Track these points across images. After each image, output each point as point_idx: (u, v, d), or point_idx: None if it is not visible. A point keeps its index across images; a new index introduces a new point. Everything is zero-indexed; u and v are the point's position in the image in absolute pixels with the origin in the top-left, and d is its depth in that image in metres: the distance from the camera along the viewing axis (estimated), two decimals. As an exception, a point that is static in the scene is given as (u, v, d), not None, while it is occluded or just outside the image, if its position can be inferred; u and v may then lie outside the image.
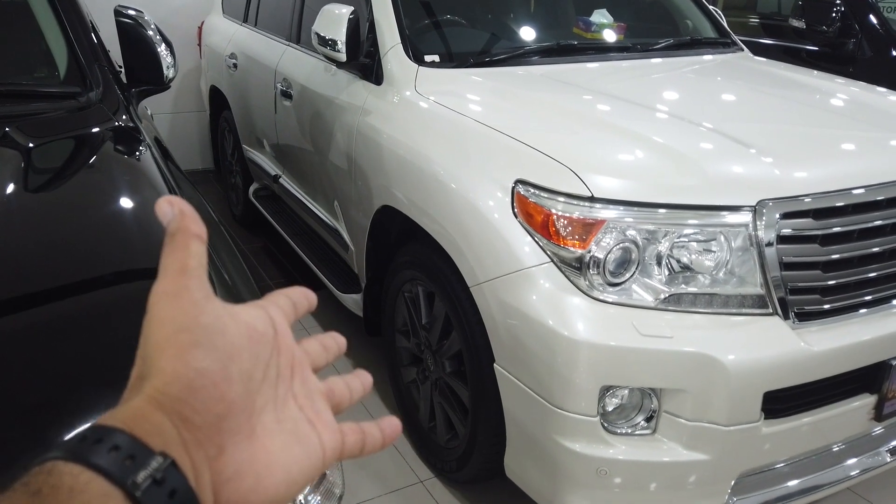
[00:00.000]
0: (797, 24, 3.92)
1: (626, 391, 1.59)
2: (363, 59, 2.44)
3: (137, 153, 1.66)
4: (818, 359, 1.59)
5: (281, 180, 3.30)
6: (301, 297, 0.50)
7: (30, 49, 1.94)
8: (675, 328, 1.55)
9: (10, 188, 1.37)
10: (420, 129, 2.13)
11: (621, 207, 1.59)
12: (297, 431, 0.43)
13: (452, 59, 2.40)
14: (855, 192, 1.70)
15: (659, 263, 1.60)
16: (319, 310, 0.51)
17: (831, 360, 1.62)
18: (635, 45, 2.68)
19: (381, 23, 2.42)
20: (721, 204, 1.61)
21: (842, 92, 2.39)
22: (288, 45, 3.13)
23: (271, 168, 3.42)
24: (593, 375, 1.53)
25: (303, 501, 0.91)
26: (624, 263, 1.60)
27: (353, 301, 2.60)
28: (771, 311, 1.61)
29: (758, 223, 1.59)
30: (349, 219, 2.58)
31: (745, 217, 1.60)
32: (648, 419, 1.61)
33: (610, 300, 1.59)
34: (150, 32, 2.00)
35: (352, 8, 2.37)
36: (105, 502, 0.33)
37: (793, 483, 1.72)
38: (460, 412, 2.03)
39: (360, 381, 0.52)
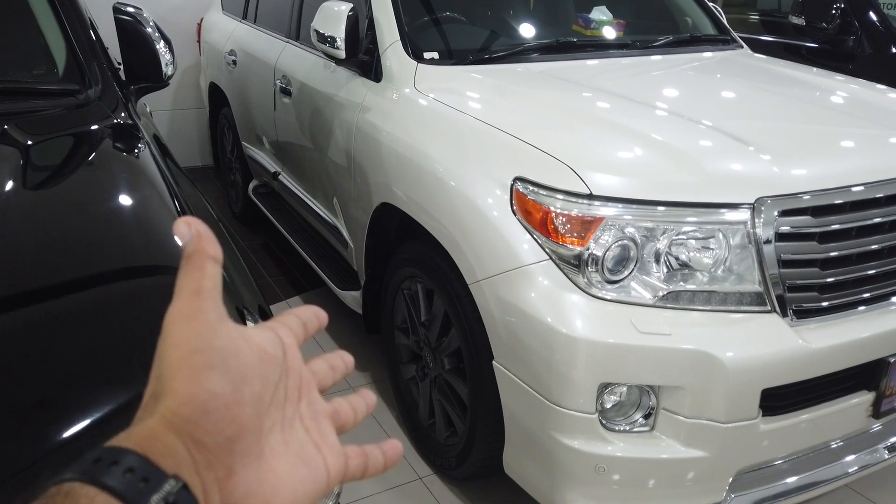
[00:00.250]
0: (797, 20, 3.92)
1: (625, 388, 1.59)
2: (362, 57, 2.44)
3: (136, 150, 1.66)
4: (816, 356, 1.59)
5: (280, 177, 3.30)
6: (311, 317, 0.51)
7: (28, 46, 1.94)
8: (673, 325, 1.55)
9: (9, 186, 1.38)
10: (419, 127, 2.13)
11: (620, 205, 1.59)
12: (303, 454, 0.44)
13: (452, 57, 2.39)
14: (854, 189, 1.70)
15: (657, 261, 1.60)
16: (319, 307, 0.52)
17: (829, 357, 1.62)
18: (635, 42, 2.67)
19: (380, 20, 2.41)
20: (719, 201, 1.61)
21: (841, 89, 2.39)
22: (287, 42, 3.13)
23: (271, 165, 3.42)
24: (592, 372, 1.54)
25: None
26: (622, 261, 1.60)
27: (352, 298, 2.60)
28: (769, 308, 1.61)
29: (756, 220, 1.60)
30: (348, 216, 2.58)
31: (743, 214, 1.60)
32: (647, 416, 1.61)
33: (608, 298, 1.59)
34: (149, 29, 2.00)
35: (351, 5, 2.36)
36: None
37: (791, 480, 1.72)
38: (459, 409, 2.03)
39: (365, 401, 0.52)
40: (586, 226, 1.60)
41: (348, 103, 2.46)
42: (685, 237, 1.60)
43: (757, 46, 2.98)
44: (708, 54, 2.72)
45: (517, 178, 1.71)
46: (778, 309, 1.61)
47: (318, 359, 0.51)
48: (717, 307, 1.60)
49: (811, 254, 1.65)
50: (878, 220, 1.73)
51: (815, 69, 2.66)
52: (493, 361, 1.75)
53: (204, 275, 0.41)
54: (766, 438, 1.63)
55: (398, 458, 0.50)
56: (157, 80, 2.03)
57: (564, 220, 1.61)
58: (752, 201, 1.60)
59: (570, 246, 1.60)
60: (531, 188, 1.68)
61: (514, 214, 1.70)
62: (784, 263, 1.62)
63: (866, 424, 1.82)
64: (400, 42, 2.34)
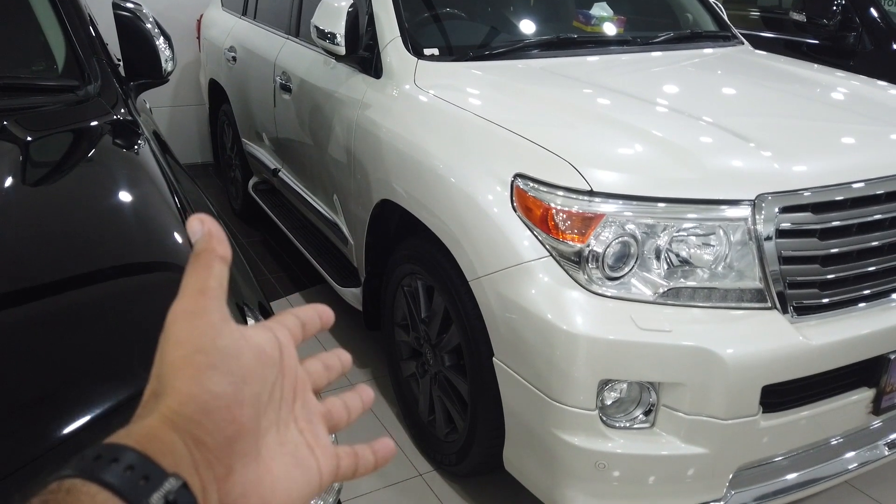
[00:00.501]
0: (798, 17, 3.91)
1: (625, 385, 1.59)
2: (362, 53, 2.43)
3: (136, 147, 1.65)
4: (816, 353, 1.59)
5: (280, 174, 3.30)
6: (312, 316, 0.51)
7: (28, 42, 1.94)
8: (673, 322, 1.55)
9: (9, 182, 1.37)
10: (419, 123, 2.12)
11: (620, 201, 1.59)
12: (297, 455, 0.44)
13: (452, 53, 2.39)
14: (854, 186, 1.70)
15: (658, 257, 1.60)
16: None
17: (830, 354, 1.62)
18: (635, 38, 2.67)
19: (380, 16, 2.41)
20: (720, 198, 1.61)
21: (842, 86, 2.38)
22: (287, 39, 3.12)
23: (270, 162, 3.41)
24: (592, 369, 1.54)
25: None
26: (623, 257, 1.60)
27: (352, 295, 2.60)
28: (770, 305, 1.61)
29: (757, 217, 1.59)
30: (348, 213, 2.58)
31: (744, 211, 1.60)
32: (647, 413, 1.61)
33: (609, 294, 1.59)
34: (149, 25, 1.99)
35: (351, 1, 2.36)
36: None
37: (791, 476, 1.72)
38: (459, 406, 2.03)
39: (361, 398, 0.52)
40: (587, 222, 1.59)
41: (348, 100, 2.45)
42: (686, 234, 1.60)
43: (758, 43, 2.97)
44: (709, 51, 2.72)
45: (517, 175, 1.71)
46: (778, 306, 1.61)
47: (314, 358, 0.51)
48: (718, 304, 1.60)
49: (812, 250, 1.65)
50: (878, 216, 1.72)
51: (815, 66, 2.66)
52: (494, 358, 1.75)
53: (211, 274, 0.42)
54: (766, 435, 1.63)
55: (390, 457, 0.50)
56: (156, 77, 2.03)
57: (565, 216, 1.61)
58: (753, 198, 1.60)
59: (571, 242, 1.60)
60: (531, 185, 1.68)
61: (515, 211, 1.69)
62: (785, 260, 1.62)
63: (866, 421, 1.82)
64: (400, 38, 2.34)
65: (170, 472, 0.36)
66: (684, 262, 1.61)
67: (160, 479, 0.35)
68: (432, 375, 2.16)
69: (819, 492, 1.84)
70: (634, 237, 1.59)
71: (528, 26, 2.70)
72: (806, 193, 1.65)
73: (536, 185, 1.67)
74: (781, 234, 1.62)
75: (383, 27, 2.38)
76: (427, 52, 2.33)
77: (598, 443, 1.58)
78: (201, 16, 4.44)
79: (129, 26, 1.98)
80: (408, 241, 2.20)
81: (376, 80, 2.36)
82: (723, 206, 1.60)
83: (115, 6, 1.99)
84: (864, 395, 1.75)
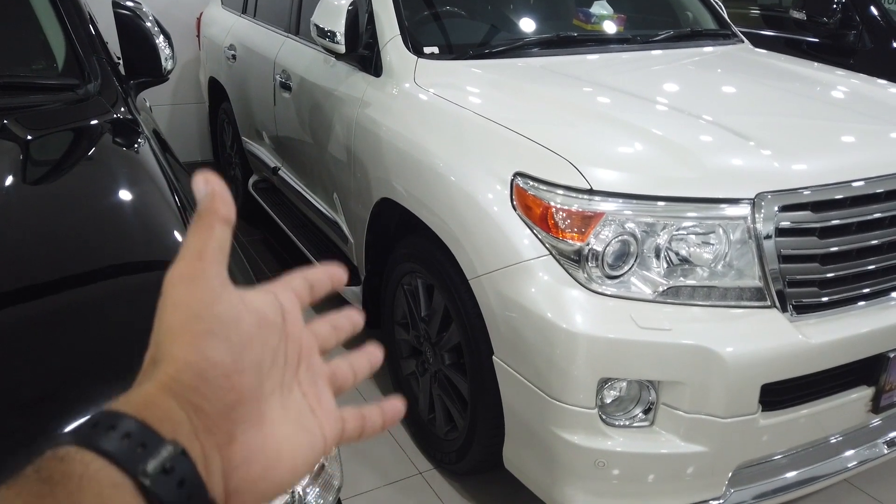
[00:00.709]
0: (798, 15, 3.91)
1: (625, 383, 1.59)
2: (362, 51, 2.43)
3: (136, 145, 1.65)
4: (816, 351, 1.60)
5: (280, 172, 3.30)
6: (322, 277, 0.49)
7: (28, 41, 1.94)
8: (673, 321, 1.55)
9: (9, 181, 1.37)
10: (419, 122, 2.12)
11: (620, 200, 1.59)
12: (300, 419, 0.43)
13: (452, 51, 2.39)
14: (854, 184, 1.70)
15: (657, 256, 1.60)
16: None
17: (829, 352, 1.62)
18: (635, 36, 2.67)
19: (380, 14, 2.41)
20: (720, 196, 1.61)
21: (842, 84, 2.38)
22: (287, 37, 3.12)
23: (270, 160, 3.41)
24: (592, 368, 1.54)
25: (301, 494, 0.91)
26: (622, 256, 1.60)
27: (352, 293, 2.60)
28: (769, 303, 1.61)
29: (756, 216, 1.59)
30: (348, 211, 2.58)
31: (743, 210, 1.60)
32: (646, 411, 1.61)
33: (608, 293, 1.59)
34: (149, 24, 1.99)
35: (351, -1, 2.36)
36: (114, 492, 0.33)
37: (790, 474, 1.73)
38: (459, 404, 2.03)
39: (368, 358, 0.51)
40: (586, 221, 1.60)
41: (348, 98, 2.45)
42: (685, 232, 1.60)
43: (758, 41, 2.97)
44: (708, 49, 2.72)
45: (517, 174, 1.71)
46: (778, 304, 1.61)
47: (322, 319, 0.49)
48: (717, 302, 1.60)
49: (811, 249, 1.65)
50: (878, 215, 1.72)
51: (815, 64, 2.66)
52: (493, 357, 1.76)
53: (211, 236, 0.40)
54: (765, 433, 1.63)
55: (398, 418, 0.49)
56: (156, 75, 2.02)
57: (564, 215, 1.61)
58: (753, 196, 1.60)
59: (571, 241, 1.60)
60: (531, 183, 1.68)
61: (515, 210, 1.69)
62: (784, 259, 1.62)
63: (866, 419, 1.82)
64: (400, 37, 2.34)
65: (168, 440, 0.35)
66: (684, 260, 1.61)
67: (158, 447, 0.35)
68: (432, 374, 2.16)
69: (818, 490, 1.85)
70: (634, 236, 1.59)
71: (528, 25, 2.70)
72: (805, 192, 1.65)
73: (536, 184, 1.67)
74: (781, 232, 1.62)
75: (383, 25, 2.38)
76: (427, 50, 2.33)
77: (597, 441, 1.58)
78: (201, 14, 4.43)
79: (129, 25, 1.98)
80: (407, 239, 2.20)
81: (376, 78, 2.36)
82: (722, 205, 1.60)
83: (115, 4, 1.99)
84: (864, 394, 1.75)
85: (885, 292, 1.76)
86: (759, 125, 1.88)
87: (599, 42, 2.61)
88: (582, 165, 1.63)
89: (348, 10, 2.33)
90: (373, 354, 0.51)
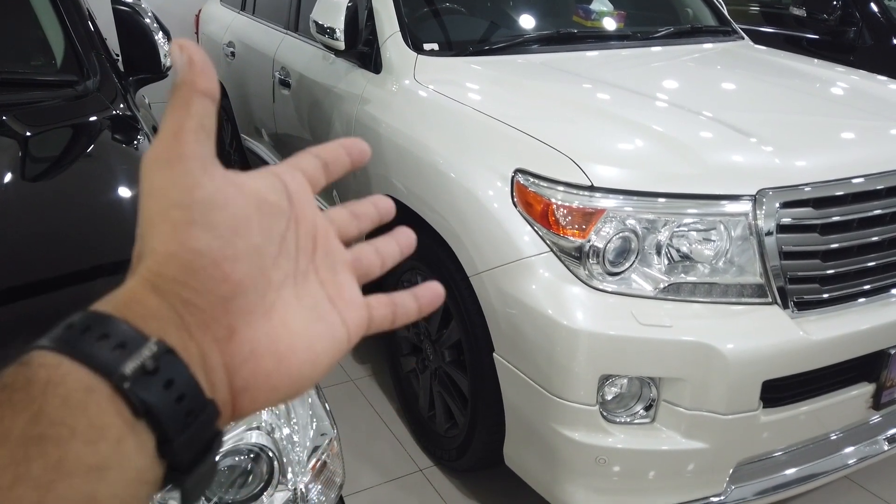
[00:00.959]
0: (798, 12, 3.90)
1: (625, 380, 1.59)
2: (362, 48, 2.43)
3: (135, 142, 1.65)
4: (817, 348, 1.59)
5: (279, 169, 3.29)
6: (337, 153, 0.44)
7: (26, 37, 1.93)
8: (674, 317, 1.55)
9: (8, 178, 1.37)
10: (419, 118, 2.12)
11: (621, 197, 1.59)
12: (317, 308, 0.39)
13: (451, 48, 2.38)
14: (855, 181, 1.70)
15: (658, 253, 1.60)
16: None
17: (830, 349, 1.62)
18: (635, 33, 2.66)
19: (379, 11, 2.40)
20: (721, 193, 1.60)
21: (842, 80, 2.38)
22: (286, 34, 3.12)
23: (270, 157, 3.41)
24: (592, 365, 1.54)
25: (303, 491, 0.91)
26: (623, 253, 1.60)
27: (352, 290, 2.60)
28: (770, 300, 1.61)
29: (758, 212, 1.59)
30: (348, 208, 2.57)
31: (744, 206, 1.59)
32: (647, 408, 1.61)
33: (609, 290, 1.59)
34: (148, 20, 1.99)
35: (350, -4, 2.35)
36: (86, 396, 0.29)
37: (791, 471, 1.73)
38: (460, 401, 2.03)
39: (397, 242, 0.46)
40: (587, 218, 1.59)
41: (348, 95, 2.45)
42: (686, 229, 1.60)
43: (758, 38, 2.97)
44: (709, 45, 2.71)
45: (518, 170, 1.70)
46: (779, 301, 1.61)
47: (340, 207, 0.45)
48: (718, 299, 1.60)
49: (812, 245, 1.65)
50: (878, 211, 1.72)
51: (815, 60, 2.66)
52: (494, 353, 1.75)
53: (188, 113, 0.35)
54: (766, 430, 1.63)
55: (437, 302, 0.44)
56: (155, 72, 2.02)
57: (565, 211, 1.61)
58: (754, 193, 1.60)
59: (571, 238, 1.60)
60: (532, 180, 1.67)
61: (515, 206, 1.69)
62: (785, 255, 1.62)
63: (866, 416, 1.82)
64: (399, 33, 2.33)
65: (150, 338, 0.32)
66: (685, 257, 1.61)
67: (139, 346, 0.31)
68: (432, 371, 2.16)
69: (818, 487, 1.85)
70: (635, 232, 1.59)
71: (527, 21, 2.69)
72: (807, 189, 1.64)
73: (537, 181, 1.66)
74: (782, 229, 1.62)
75: (383, 22, 2.38)
76: (427, 47, 2.32)
77: (598, 438, 1.58)
78: (199, 10, 4.42)
79: (128, 21, 1.97)
80: (408, 236, 2.19)
81: (376, 75, 2.36)
82: (723, 202, 1.60)
83: (114, 1, 1.98)
84: (865, 390, 1.75)
85: (886, 289, 1.76)
86: (760, 122, 1.88)
87: (599, 39, 2.61)
88: (583, 162, 1.63)
89: (348, 7, 2.33)
90: (405, 238, 0.46)
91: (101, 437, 0.29)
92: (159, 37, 2.01)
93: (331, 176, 0.44)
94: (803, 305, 1.64)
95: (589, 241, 1.59)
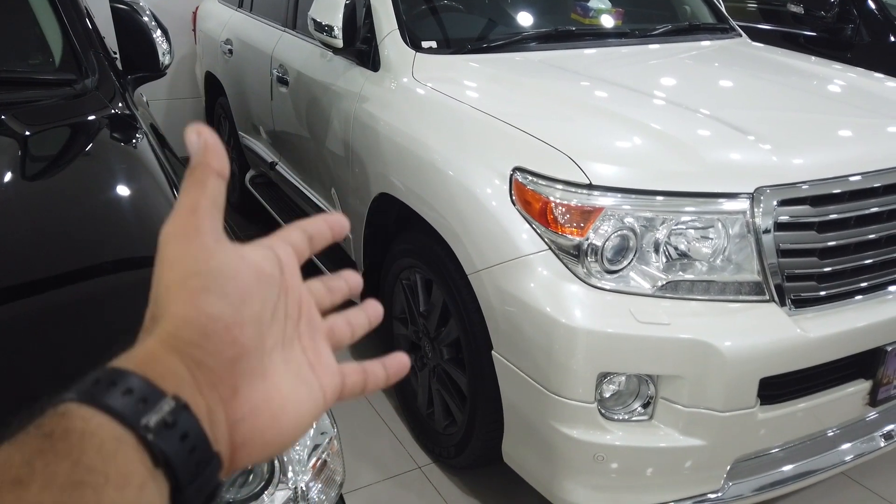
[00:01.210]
0: (795, 9, 3.91)
1: (624, 378, 1.60)
2: (360, 46, 2.43)
3: (134, 140, 1.65)
4: (814, 345, 1.60)
5: (277, 167, 3.29)
6: (321, 228, 0.48)
7: (24, 36, 1.93)
8: (672, 315, 1.56)
9: (7, 177, 1.37)
10: (417, 116, 2.12)
11: (619, 195, 1.59)
12: (300, 373, 0.43)
13: (450, 46, 2.38)
14: (852, 178, 1.70)
15: (657, 251, 1.60)
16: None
17: (827, 346, 1.63)
18: (633, 30, 2.66)
19: (377, 8, 2.40)
20: (719, 191, 1.61)
21: (839, 78, 2.38)
22: (284, 31, 3.11)
23: (268, 155, 3.41)
24: (591, 362, 1.54)
25: (304, 489, 0.91)
26: (622, 251, 1.61)
27: (350, 288, 2.60)
28: (767, 297, 1.62)
29: (755, 210, 1.60)
30: (346, 206, 2.57)
31: (742, 204, 1.60)
32: (645, 405, 1.62)
33: (607, 287, 1.59)
34: (146, 19, 1.98)
35: (348, -7, 2.35)
36: (117, 446, 0.33)
37: (788, 468, 1.73)
38: (458, 399, 2.04)
39: (367, 314, 0.50)
40: (586, 216, 1.60)
41: (346, 93, 2.45)
42: (684, 227, 1.61)
43: (755, 35, 2.97)
44: (706, 43, 2.72)
45: (516, 168, 1.71)
46: (776, 298, 1.62)
47: (317, 279, 0.49)
48: (716, 297, 1.61)
49: (810, 243, 1.66)
50: (875, 209, 1.73)
51: (813, 58, 2.66)
52: (492, 351, 1.76)
53: (204, 192, 0.40)
54: (763, 427, 1.63)
55: (403, 372, 0.48)
56: (153, 70, 2.02)
57: (564, 210, 1.61)
58: (752, 191, 1.60)
59: (570, 236, 1.60)
60: (530, 178, 1.68)
61: (514, 204, 1.69)
62: (783, 253, 1.62)
63: (863, 413, 1.83)
64: (398, 31, 2.33)
65: (169, 394, 0.35)
66: (683, 255, 1.61)
67: (158, 401, 0.34)
68: (431, 368, 2.16)
69: (815, 483, 1.86)
70: (633, 230, 1.59)
71: (525, 19, 2.69)
72: (804, 186, 1.65)
73: (535, 179, 1.67)
74: (780, 226, 1.62)
75: (381, 20, 2.37)
76: (425, 44, 2.32)
77: (596, 435, 1.58)
78: (197, 8, 4.41)
79: (126, 19, 1.97)
80: (406, 234, 2.20)
81: (374, 73, 2.35)
82: (721, 200, 1.60)
83: (112, -1, 1.98)
84: (861, 387, 1.76)
85: (883, 286, 1.77)
86: (758, 119, 1.89)
87: (597, 36, 2.61)
88: (581, 160, 1.63)
89: (346, 5, 2.33)
90: (372, 310, 0.50)
91: (129, 484, 0.32)
92: (157, 35, 2.00)
93: (314, 248, 0.48)
94: (800, 303, 1.64)
95: (587, 239, 1.59)
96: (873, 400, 1.78)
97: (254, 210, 3.87)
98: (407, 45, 2.30)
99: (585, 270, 1.60)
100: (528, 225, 1.66)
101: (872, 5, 3.71)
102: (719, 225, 1.60)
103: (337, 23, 2.33)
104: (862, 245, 1.73)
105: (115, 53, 2.01)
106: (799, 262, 1.65)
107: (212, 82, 4.08)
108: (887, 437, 1.87)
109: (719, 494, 1.66)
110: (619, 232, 1.59)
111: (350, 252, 2.64)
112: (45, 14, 1.89)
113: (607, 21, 2.69)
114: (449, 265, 1.90)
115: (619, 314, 1.55)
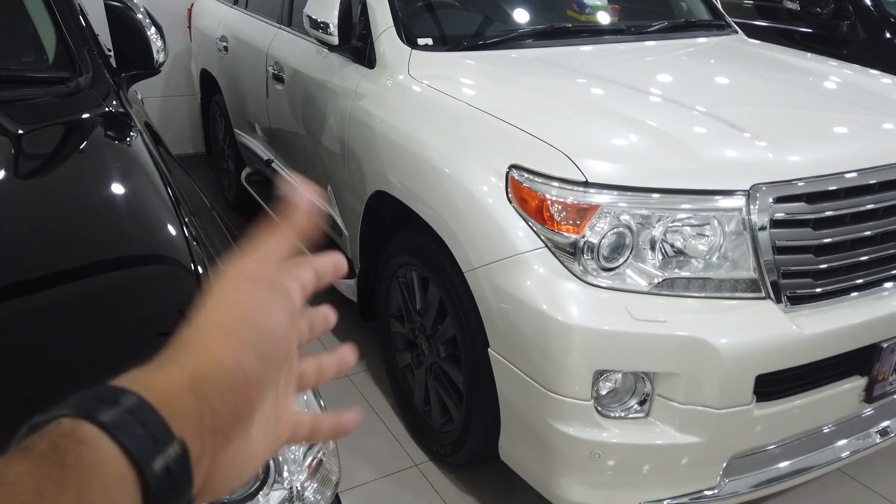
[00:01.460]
0: (791, 6, 3.91)
1: (620, 375, 1.60)
2: (356, 43, 2.42)
3: (128, 138, 1.64)
4: (810, 342, 1.60)
5: (273, 165, 3.28)
6: (327, 266, 0.49)
7: (18, 33, 1.92)
8: (668, 312, 1.56)
9: (0, 175, 1.36)
10: (413, 114, 2.12)
11: (615, 192, 1.59)
12: (268, 424, 0.44)
13: (446, 43, 2.38)
14: (848, 175, 1.70)
15: (653, 248, 1.60)
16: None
17: (823, 343, 1.63)
18: (629, 27, 2.66)
19: (373, 5, 2.39)
20: (715, 188, 1.61)
21: (835, 75, 2.38)
22: (279, 28, 3.10)
23: (263, 152, 3.40)
24: (587, 360, 1.54)
25: (299, 489, 0.91)
26: (618, 248, 1.60)
27: (347, 286, 2.60)
28: (763, 294, 1.62)
29: (751, 207, 1.60)
30: (343, 204, 2.57)
31: (738, 201, 1.60)
32: (642, 403, 1.62)
33: (604, 285, 1.59)
34: (140, 16, 1.97)
35: (344, -10, 2.34)
36: (120, 485, 0.33)
37: (784, 464, 1.74)
38: (455, 396, 2.04)
39: (338, 363, 0.50)
40: (582, 213, 1.59)
41: (342, 90, 2.44)
42: (680, 224, 1.61)
43: (751, 31, 2.97)
44: (702, 40, 2.71)
45: (512, 166, 1.70)
46: (772, 295, 1.62)
47: (301, 314, 0.48)
48: (712, 294, 1.61)
49: (806, 240, 1.66)
50: (871, 206, 1.73)
51: (809, 54, 2.66)
52: (489, 349, 1.76)
53: (285, 246, 0.42)
54: (759, 424, 1.64)
55: (349, 431, 0.49)
56: (148, 67, 2.01)
57: (560, 207, 1.61)
58: (748, 188, 1.60)
59: (566, 234, 1.60)
60: (526, 176, 1.67)
61: (510, 202, 1.69)
62: (779, 250, 1.62)
63: (859, 409, 1.83)
64: (393, 28, 2.32)
65: (176, 437, 0.35)
66: (679, 252, 1.61)
67: (166, 444, 0.35)
68: (427, 366, 2.16)
69: (812, 479, 1.86)
70: (629, 228, 1.59)
71: (522, 15, 2.68)
72: (800, 183, 1.65)
73: (531, 176, 1.66)
74: (775, 224, 1.62)
75: (377, 17, 2.37)
76: (421, 41, 2.31)
77: (593, 433, 1.58)
78: (192, 5, 4.40)
79: (120, 17, 1.96)
80: (402, 232, 2.20)
81: (370, 70, 2.35)
82: (717, 197, 1.60)
83: (106, -4, 1.97)
84: (857, 384, 1.76)
85: (879, 283, 1.77)
86: (754, 116, 1.89)
87: (594, 33, 2.60)
88: (577, 158, 1.63)
89: (341, 1, 2.32)
90: (344, 358, 0.51)
91: None
92: (152, 32, 1.99)
93: (318, 285, 0.48)
94: (796, 300, 1.64)
95: (583, 237, 1.59)
96: (869, 396, 1.78)
97: (250, 207, 3.87)
98: (403, 42, 2.30)
99: (581, 268, 1.59)
100: (524, 222, 1.66)
101: (868, 2, 3.72)
102: (715, 222, 1.60)
103: (332, 20, 2.32)
104: (858, 242, 1.73)
105: (108, 51, 2.00)
106: (795, 258, 1.65)
107: (207, 79, 4.07)
108: (883, 433, 1.87)
109: (716, 491, 1.66)
110: (615, 229, 1.59)
111: (346, 250, 2.64)
112: (38, 11, 1.88)
113: (603, 18, 2.69)
114: (445, 263, 1.89)
115: (616, 311, 1.55)
